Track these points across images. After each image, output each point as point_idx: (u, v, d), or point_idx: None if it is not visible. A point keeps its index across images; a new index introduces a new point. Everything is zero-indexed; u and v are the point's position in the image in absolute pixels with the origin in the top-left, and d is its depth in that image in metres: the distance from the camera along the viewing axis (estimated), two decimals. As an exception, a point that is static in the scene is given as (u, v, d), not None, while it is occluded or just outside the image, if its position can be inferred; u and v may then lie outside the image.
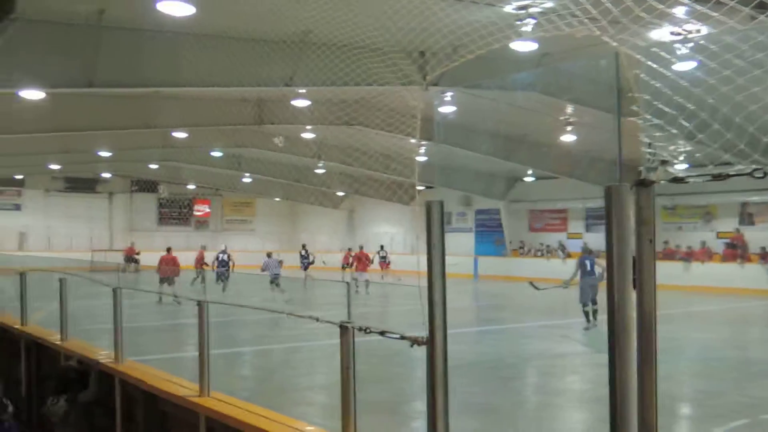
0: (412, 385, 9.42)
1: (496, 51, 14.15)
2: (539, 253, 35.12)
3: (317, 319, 3.85)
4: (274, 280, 23.30)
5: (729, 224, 28.95)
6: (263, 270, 24.22)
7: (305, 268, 29.76)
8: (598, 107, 18.01)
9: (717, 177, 2.04)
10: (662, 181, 2.16)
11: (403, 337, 3.21)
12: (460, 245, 37.73)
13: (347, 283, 21.80)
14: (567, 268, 26.45)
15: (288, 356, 12.71)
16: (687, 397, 9.46)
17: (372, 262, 27.50)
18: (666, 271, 26.92)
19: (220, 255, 26.76)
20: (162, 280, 22.15)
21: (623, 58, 2.20)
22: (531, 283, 17.47)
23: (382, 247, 33.57)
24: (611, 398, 2.13)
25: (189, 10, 11.61)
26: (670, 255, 29.20)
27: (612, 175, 24.26)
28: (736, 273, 25.89)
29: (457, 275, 31.88)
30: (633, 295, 2.22)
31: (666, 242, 30.04)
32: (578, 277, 16.08)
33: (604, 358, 2.17)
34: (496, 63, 14.86)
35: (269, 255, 25.03)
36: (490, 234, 38.08)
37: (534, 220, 37.31)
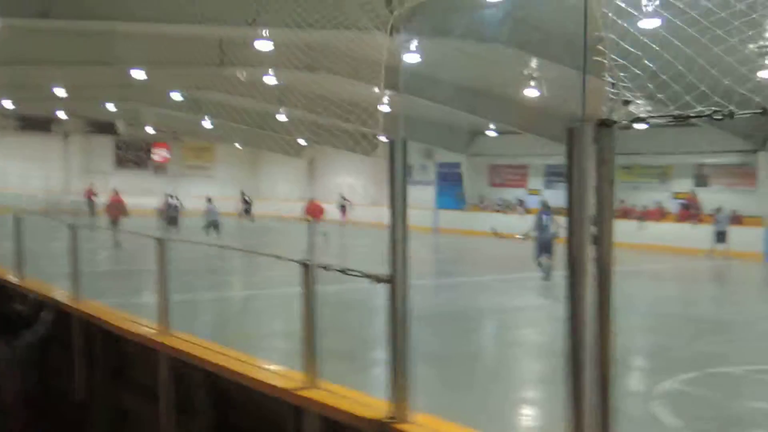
0: (370, 333, 9.51)
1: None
2: (498, 208, 35.46)
3: (279, 258, 3.85)
4: (213, 225, 23.54)
5: (685, 185, 29.54)
6: (205, 215, 24.60)
7: (247, 213, 32.12)
8: (563, 62, 18.04)
9: (677, 118, 2.07)
10: (624, 123, 2.19)
11: (364, 275, 3.22)
12: (420, 198, 37.85)
13: (311, 224, 22.00)
14: (525, 222, 26.76)
15: (246, 304, 12.70)
16: (638, 350, 9.71)
17: (324, 212, 27.82)
18: (621, 229, 27.34)
19: (170, 200, 26.72)
20: (111, 223, 21.88)
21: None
22: (493, 230, 18.10)
23: (343, 197, 33.79)
24: (570, 340, 2.15)
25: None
26: (626, 213, 29.75)
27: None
28: (688, 233, 26.53)
29: (417, 228, 32.05)
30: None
31: (622, 201, 30.56)
32: (535, 233, 16.33)
33: (562, 311, 2.18)
34: (464, 10, 14.70)
35: (209, 200, 25.24)
36: (451, 187, 38.25)
37: (494, 175, 37.56)
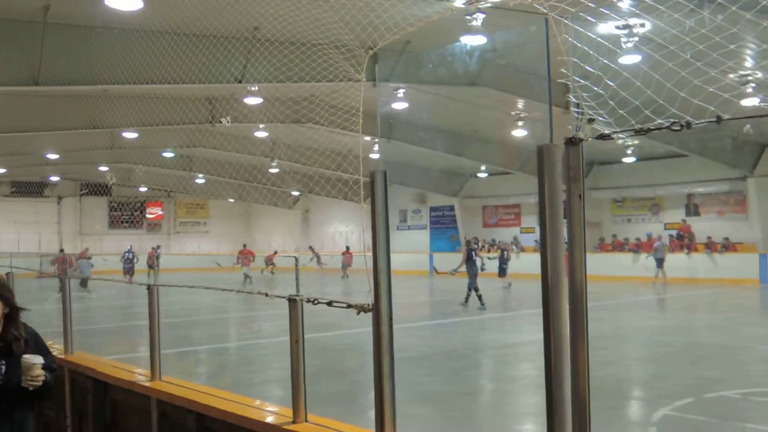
0: (368, 375, 9.45)
1: (445, 43, 14.32)
2: (493, 249, 35.48)
3: (266, 294, 3.88)
4: (84, 281, 23.58)
5: (676, 215, 29.70)
6: (74, 269, 25.06)
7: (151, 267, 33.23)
8: (547, 101, 18.30)
9: (639, 132, 2.16)
10: (590, 139, 2.28)
11: (349, 306, 3.26)
12: (414, 243, 37.96)
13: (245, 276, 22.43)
14: (520, 262, 26.90)
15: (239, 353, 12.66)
16: (634, 380, 9.73)
17: (254, 259, 29.70)
18: (615, 263, 27.53)
19: (126, 254, 29.01)
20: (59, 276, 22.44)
21: (552, 21, 2.31)
22: (434, 268, 20.13)
23: (310, 247, 36.02)
24: (546, 370, 2.18)
25: (137, 4, 11.47)
26: (619, 246, 29.86)
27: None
28: (682, 263, 26.58)
29: (413, 272, 32.05)
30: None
31: (614, 235, 30.71)
32: (464, 267, 18.57)
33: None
34: (445, 57, 15.00)
35: (83, 255, 26.08)
36: (444, 231, 38.38)
37: (488, 215, 37.72)
